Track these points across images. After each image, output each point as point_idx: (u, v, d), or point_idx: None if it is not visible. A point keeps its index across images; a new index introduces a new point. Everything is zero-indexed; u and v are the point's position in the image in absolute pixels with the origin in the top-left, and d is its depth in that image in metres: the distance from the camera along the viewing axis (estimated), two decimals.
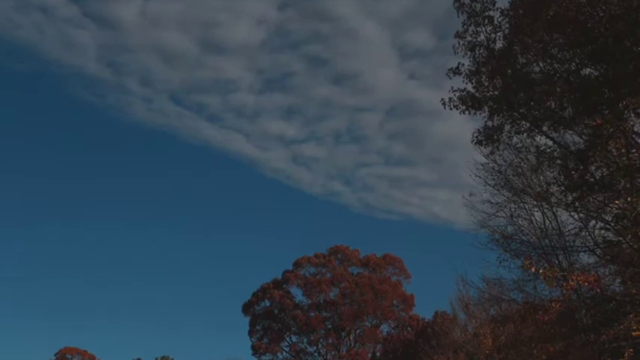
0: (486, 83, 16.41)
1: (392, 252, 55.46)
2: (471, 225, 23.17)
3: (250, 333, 53.84)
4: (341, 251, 54.94)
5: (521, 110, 16.30)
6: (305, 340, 52.77)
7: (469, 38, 16.58)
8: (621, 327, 17.07)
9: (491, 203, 22.13)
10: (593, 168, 15.60)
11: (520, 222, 22.64)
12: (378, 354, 51.56)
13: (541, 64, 15.76)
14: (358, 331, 52.54)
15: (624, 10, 13.57)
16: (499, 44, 16.26)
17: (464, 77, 16.74)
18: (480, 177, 22.01)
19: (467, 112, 16.85)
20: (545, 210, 22.33)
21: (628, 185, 15.00)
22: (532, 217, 22.76)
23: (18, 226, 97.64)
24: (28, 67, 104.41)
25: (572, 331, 19.81)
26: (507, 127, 16.76)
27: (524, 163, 20.45)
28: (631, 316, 16.24)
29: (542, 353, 21.74)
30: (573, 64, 15.19)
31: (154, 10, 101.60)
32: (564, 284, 16.96)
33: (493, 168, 21.52)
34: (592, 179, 15.69)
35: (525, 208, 22.61)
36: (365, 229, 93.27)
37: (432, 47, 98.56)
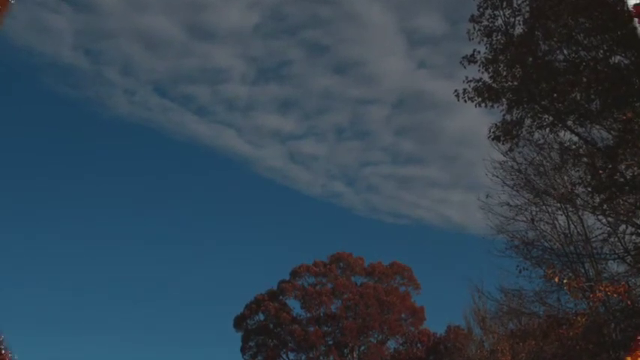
0: (504, 73, 16.46)
1: (400, 260, 55.51)
2: (487, 230, 23.18)
3: (243, 350, 53.90)
4: (343, 259, 54.98)
5: (543, 102, 16.32)
6: (303, 358, 52.78)
7: (485, 23, 16.64)
8: None
9: (510, 206, 22.17)
10: (622, 167, 15.62)
11: (542, 226, 22.64)
12: None
13: (565, 52, 15.80)
14: (362, 348, 52.57)
15: None
16: (518, 29, 16.32)
17: (480, 66, 16.80)
18: (497, 177, 22.05)
19: (483, 105, 16.93)
20: (570, 213, 22.33)
21: None
22: (555, 221, 22.77)
23: None
24: None
25: (600, 347, 19.84)
26: (528, 122, 16.81)
27: (547, 162, 20.46)
28: None
29: None
30: (601, 51, 15.21)
31: None
32: (591, 295, 16.99)
33: (512, 167, 21.56)
34: (622, 179, 15.72)
35: (548, 211, 22.61)
36: (370, 235, 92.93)
37: (444, 33, 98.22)
